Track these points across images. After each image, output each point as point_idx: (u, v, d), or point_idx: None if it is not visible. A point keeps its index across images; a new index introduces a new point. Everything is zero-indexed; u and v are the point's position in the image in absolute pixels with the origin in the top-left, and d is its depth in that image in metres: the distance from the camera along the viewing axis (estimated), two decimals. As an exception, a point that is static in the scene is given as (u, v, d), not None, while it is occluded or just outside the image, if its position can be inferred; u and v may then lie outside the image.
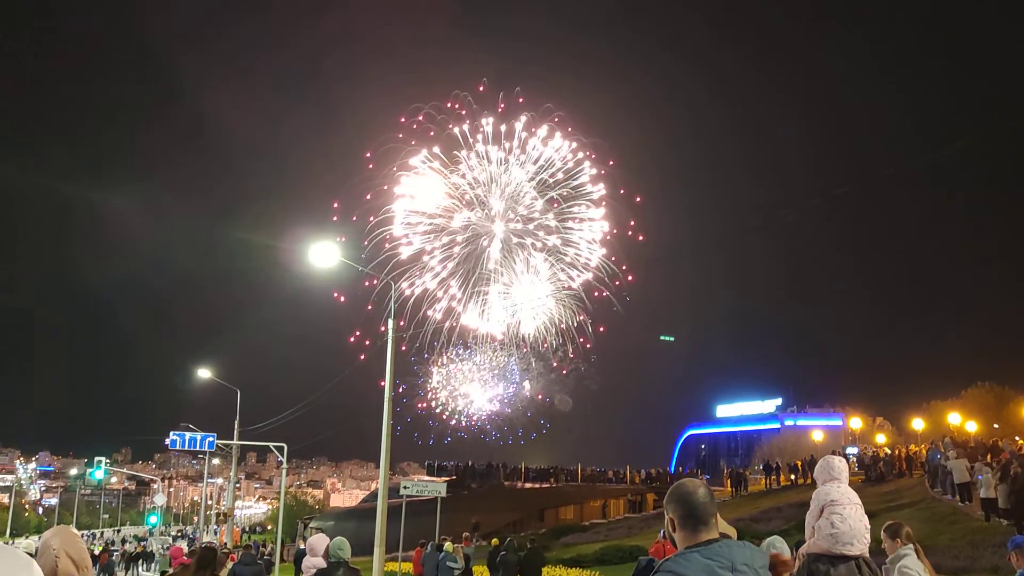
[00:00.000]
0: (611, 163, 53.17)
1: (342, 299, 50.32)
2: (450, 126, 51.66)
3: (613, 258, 53.01)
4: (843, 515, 6.43)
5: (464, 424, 55.91)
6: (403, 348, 50.86)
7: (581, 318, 54.04)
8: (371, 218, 50.98)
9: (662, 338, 66.35)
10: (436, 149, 51.55)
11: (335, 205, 52.28)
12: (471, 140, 52.07)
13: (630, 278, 52.63)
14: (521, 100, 52.13)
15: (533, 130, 51.94)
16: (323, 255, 23.88)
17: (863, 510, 6.61)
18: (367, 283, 46.13)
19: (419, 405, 54.36)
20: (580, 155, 52.42)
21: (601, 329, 54.59)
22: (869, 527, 6.54)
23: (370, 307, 45.66)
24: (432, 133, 51.70)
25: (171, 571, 13.32)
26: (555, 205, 52.80)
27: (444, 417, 55.55)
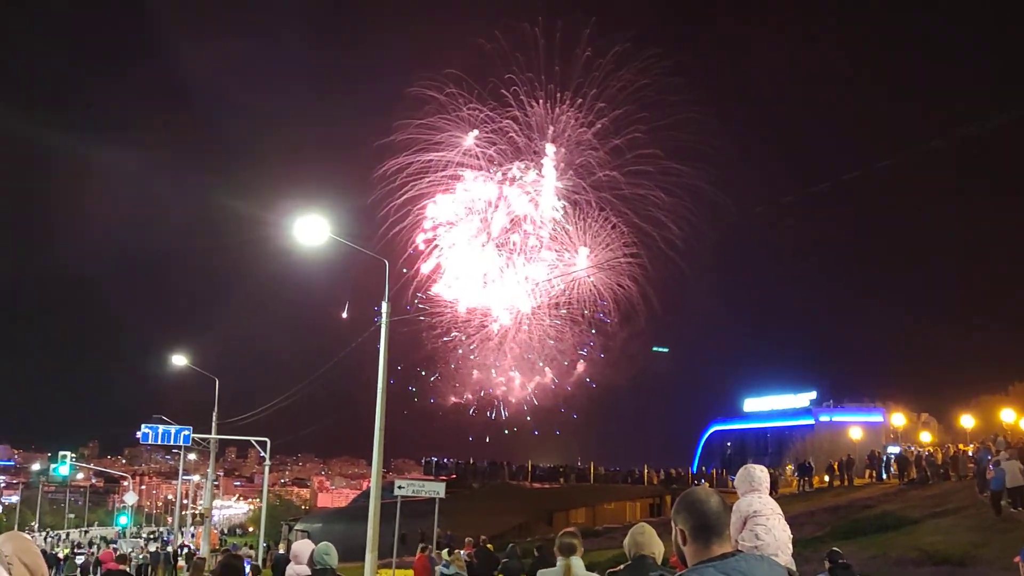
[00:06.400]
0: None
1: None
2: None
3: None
4: (767, 526, 6.97)
5: (499, 411, 56.23)
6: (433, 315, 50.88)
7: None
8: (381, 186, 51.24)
9: (655, 349, 68.60)
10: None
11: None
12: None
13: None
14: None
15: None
16: (311, 230, 23.40)
17: (784, 520, 7.04)
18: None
19: (451, 398, 54.77)
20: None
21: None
22: (791, 536, 6.98)
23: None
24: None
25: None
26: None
27: (475, 405, 55.94)
